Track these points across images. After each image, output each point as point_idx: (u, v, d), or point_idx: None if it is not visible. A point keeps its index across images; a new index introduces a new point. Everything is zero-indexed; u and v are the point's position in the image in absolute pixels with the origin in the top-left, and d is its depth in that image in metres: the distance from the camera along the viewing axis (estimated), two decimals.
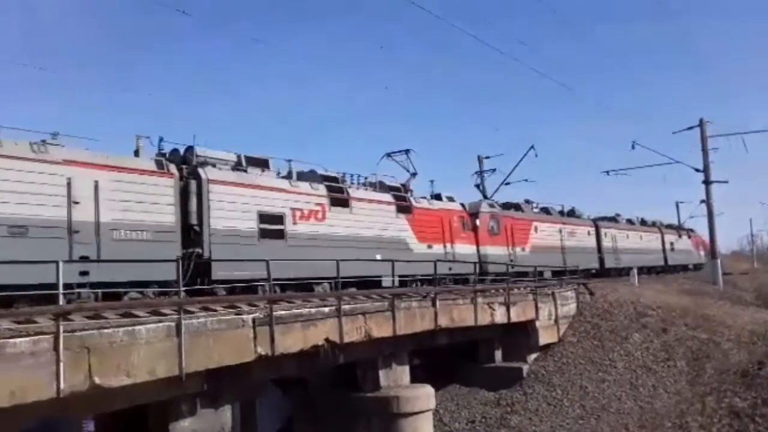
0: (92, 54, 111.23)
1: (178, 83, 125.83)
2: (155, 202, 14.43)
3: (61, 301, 9.18)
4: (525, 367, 21.04)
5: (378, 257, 19.28)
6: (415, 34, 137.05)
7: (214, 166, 16.46)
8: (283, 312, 12.37)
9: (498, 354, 21.82)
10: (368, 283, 17.99)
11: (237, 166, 17.34)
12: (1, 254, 11.11)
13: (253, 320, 11.51)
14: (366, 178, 22.25)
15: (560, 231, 32.88)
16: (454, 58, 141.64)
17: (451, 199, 25.93)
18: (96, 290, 12.48)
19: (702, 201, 40.53)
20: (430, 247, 22.90)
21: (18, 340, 8.16)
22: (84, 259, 12.71)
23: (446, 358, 20.77)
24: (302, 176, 19.29)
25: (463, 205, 26.56)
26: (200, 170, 15.81)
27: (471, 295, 18.59)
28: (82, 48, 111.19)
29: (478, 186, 33.01)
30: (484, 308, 18.88)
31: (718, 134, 36.45)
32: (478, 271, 24.05)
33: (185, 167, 15.90)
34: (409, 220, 22.20)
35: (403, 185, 23.53)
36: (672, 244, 47.38)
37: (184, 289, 13.44)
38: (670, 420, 18.17)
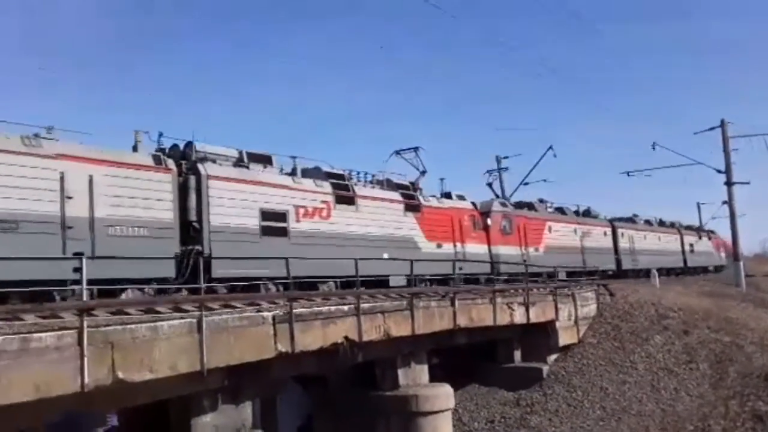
0: (92, 54, 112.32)
1: (178, 83, 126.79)
2: (152, 198, 14.12)
3: (85, 296, 9.32)
4: (545, 368, 20.94)
5: (385, 256, 19.06)
6: (415, 33, 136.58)
7: (214, 162, 16.21)
8: (302, 310, 12.42)
9: (517, 354, 21.73)
10: (375, 283, 17.66)
11: (238, 163, 17.06)
12: None
13: (273, 317, 11.57)
14: (373, 175, 22.01)
15: (575, 231, 32.46)
16: (457, 58, 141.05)
17: (461, 197, 25.55)
18: (91, 287, 12.01)
19: (724, 202, 40.03)
20: (439, 246, 22.61)
21: (43, 334, 8.26)
22: (77, 255, 12.25)
23: (465, 358, 20.73)
24: (307, 173, 19.02)
25: (474, 204, 26.15)
26: (199, 166, 15.54)
27: (490, 295, 18.52)
28: (82, 48, 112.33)
29: (489, 185, 32.62)
30: (503, 308, 18.81)
31: (739, 135, 36.05)
32: (489, 271, 23.99)
33: (184, 163, 15.64)
34: (417, 218, 21.91)
35: (412, 183, 23.16)
36: (692, 245, 46.79)
37: (182, 287, 13.60)
38: (692, 423, 18.00)
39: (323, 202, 18.45)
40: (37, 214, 12.07)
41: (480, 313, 17.83)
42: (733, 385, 19.19)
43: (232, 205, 15.82)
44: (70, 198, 12.65)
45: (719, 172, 36.36)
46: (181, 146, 16.33)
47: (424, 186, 24.18)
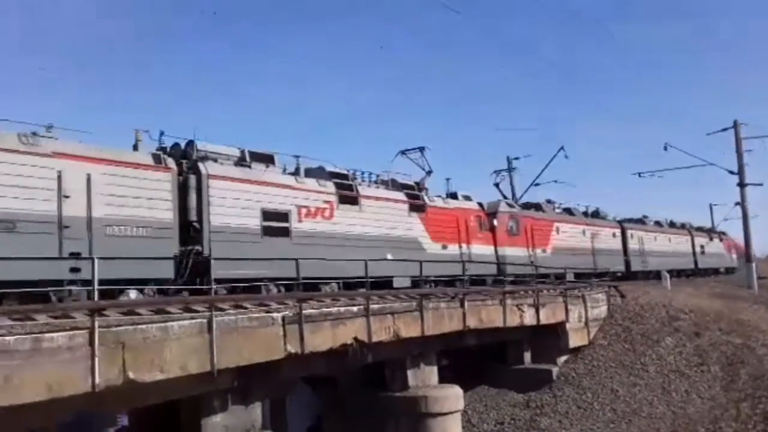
0: (92, 54, 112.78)
1: (179, 83, 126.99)
2: (151, 198, 13.91)
3: (96, 297, 9.38)
4: (555, 370, 20.87)
5: (389, 257, 18.83)
6: (416, 33, 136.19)
7: (215, 161, 16.00)
8: (312, 311, 12.43)
9: (527, 356, 21.68)
10: (379, 285, 17.36)
11: (240, 162, 16.83)
12: None
13: (283, 318, 11.60)
14: (378, 175, 21.81)
15: (583, 232, 32.23)
16: (457, 58, 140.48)
17: (467, 198, 25.33)
18: (88, 288, 11.88)
19: (737, 203, 39.79)
20: (444, 247, 22.38)
21: (55, 334, 8.32)
22: (74, 255, 12.26)
23: (475, 359, 20.70)
24: (310, 173, 18.80)
25: (480, 204, 25.96)
26: (200, 165, 15.32)
27: (500, 296, 18.48)
28: (82, 48, 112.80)
29: (497, 185, 32.36)
30: (513, 310, 18.76)
31: (752, 136, 35.87)
32: (496, 272, 23.83)
33: (185, 162, 15.42)
34: (422, 219, 21.69)
35: (417, 183, 22.92)
36: (702, 246, 46.50)
37: (179, 288, 13.49)
38: (703, 425, 17.90)
39: (326, 202, 18.26)
40: (33, 214, 11.93)
41: (489, 314, 17.79)
42: (744, 388, 19.06)
43: (233, 204, 15.63)
44: (67, 197, 12.47)
45: (732, 173, 36.18)
46: (183, 145, 16.16)
47: (432, 187, 24.11)
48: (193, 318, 10.24)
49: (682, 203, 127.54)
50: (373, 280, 16.70)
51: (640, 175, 41.90)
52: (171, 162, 14.70)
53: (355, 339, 13.15)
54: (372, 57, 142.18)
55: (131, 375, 8.95)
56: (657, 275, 36.35)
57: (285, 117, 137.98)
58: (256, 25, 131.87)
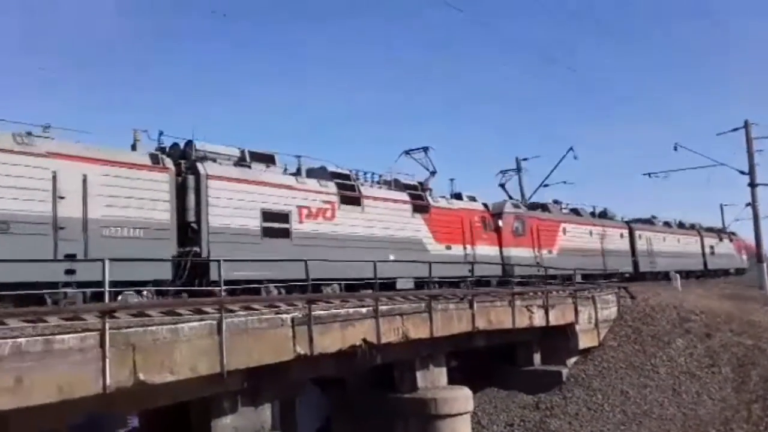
0: (92, 54, 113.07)
1: (178, 83, 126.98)
2: (149, 198, 13.80)
3: (107, 299, 9.41)
4: (564, 371, 20.79)
5: (391, 258, 18.64)
6: (416, 33, 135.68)
7: (214, 161, 15.87)
8: (321, 312, 12.43)
9: (537, 357, 21.60)
10: (381, 286, 17.08)
11: (240, 162, 16.70)
12: None
13: (292, 320, 11.59)
14: (381, 176, 21.69)
15: (590, 233, 32.06)
16: (459, 58, 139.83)
17: (472, 198, 25.21)
18: (85, 289, 11.93)
19: (748, 204, 39.60)
20: (448, 248, 22.22)
21: (66, 336, 8.35)
22: (70, 257, 12.18)
23: (484, 361, 20.63)
24: (311, 173, 18.71)
25: (485, 205, 25.82)
26: (199, 165, 15.18)
27: (509, 297, 18.43)
28: (82, 48, 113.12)
29: (502, 185, 32.12)
30: (522, 311, 18.70)
31: (763, 136, 35.74)
32: (501, 273, 23.69)
33: (184, 162, 15.29)
34: (426, 219, 21.55)
35: (421, 184, 22.81)
36: (712, 247, 46.23)
37: (177, 289, 13.44)
38: (714, 427, 17.82)
39: (327, 202, 18.12)
40: (28, 215, 11.81)
41: (498, 315, 17.75)
42: (755, 389, 18.94)
43: (232, 205, 15.49)
44: (62, 198, 12.37)
45: (742, 173, 36.06)
46: (182, 145, 16.05)
47: (436, 187, 23.98)
48: (202, 320, 10.25)
49: (693, 204, 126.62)
50: (375, 281, 16.85)
51: (650, 176, 41.85)
52: (169, 162, 14.60)
53: (364, 340, 13.14)
54: (372, 57, 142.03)
55: (141, 376, 8.97)
56: (666, 276, 36.19)
57: (285, 117, 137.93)
58: (256, 25, 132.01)
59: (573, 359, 21.38)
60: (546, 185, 35.38)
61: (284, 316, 11.58)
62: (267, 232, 16.23)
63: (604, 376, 20.47)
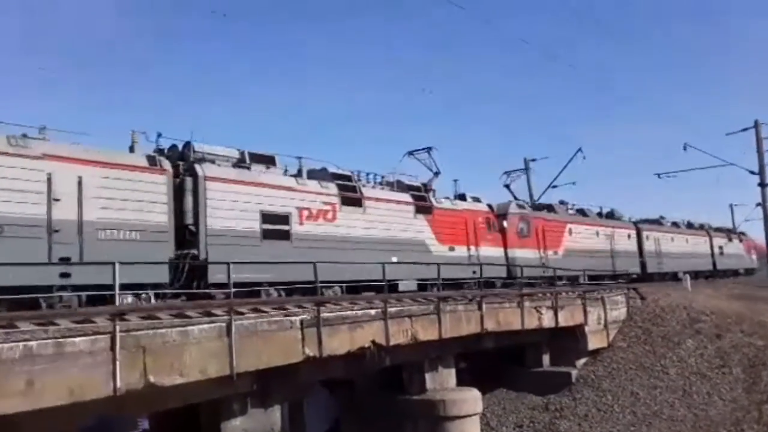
0: (92, 54, 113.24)
1: (178, 83, 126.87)
2: (146, 200, 13.56)
3: (117, 301, 9.45)
4: (574, 372, 20.73)
5: (394, 260, 18.37)
6: (415, 33, 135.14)
7: (213, 162, 15.67)
8: (330, 314, 12.45)
9: (546, 358, 21.55)
10: (382, 288, 17.00)
11: (239, 163, 16.46)
12: None
13: (301, 322, 11.62)
14: (383, 177, 21.49)
15: (597, 233, 31.78)
16: (460, 58, 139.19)
17: (476, 199, 24.96)
18: (80, 293, 11.79)
19: (758, 204, 39.39)
20: (452, 249, 22.00)
21: (77, 339, 8.40)
22: (64, 260, 11.97)
23: (493, 362, 20.59)
24: (312, 174, 18.45)
25: (490, 205, 25.58)
26: (197, 167, 14.94)
27: (517, 298, 18.41)
28: (82, 48, 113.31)
29: (507, 186, 31.62)
30: (531, 312, 18.67)
31: None
32: (505, 275, 23.50)
33: (182, 164, 15.07)
34: (428, 220, 21.31)
35: (424, 185, 22.57)
36: (721, 247, 45.90)
37: (174, 291, 13.28)
38: (725, 428, 17.76)
39: (328, 203, 17.90)
40: (22, 217, 11.63)
41: (507, 316, 17.72)
42: (766, 390, 18.85)
43: (231, 207, 15.29)
44: (57, 200, 12.17)
45: (752, 173, 35.93)
46: (180, 147, 15.86)
47: (441, 189, 23.76)
48: (212, 322, 10.28)
49: (702, 204, 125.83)
50: (376, 283, 16.50)
51: (659, 176, 41.74)
52: (166, 164, 14.40)
53: (373, 342, 13.15)
54: (372, 57, 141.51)
55: (152, 379, 9.01)
56: (674, 277, 35.99)
57: (285, 117, 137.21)
58: (256, 25, 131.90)
59: (582, 360, 21.32)
60: (555, 186, 35.25)
61: (293, 318, 11.61)
62: (267, 234, 16.02)
63: (613, 377, 20.41)
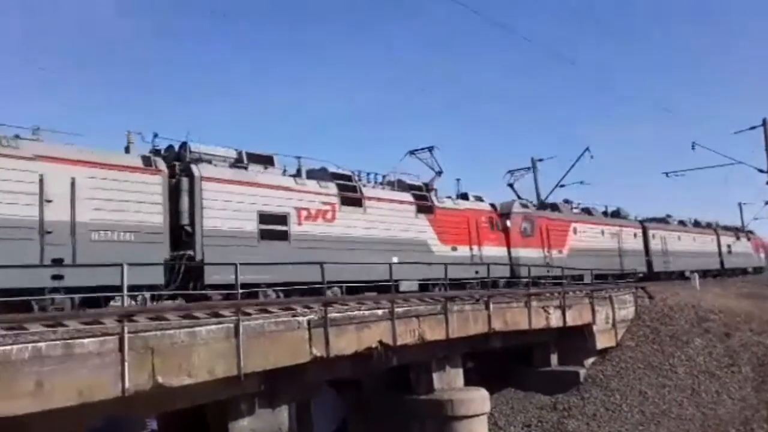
0: (92, 54, 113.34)
1: (178, 83, 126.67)
2: (141, 201, 13.38)
3: (125, 302, 9.49)
4: (582, 372, 20.69)
5: (395, 260, 17.94)
6: (415, 33, 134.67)
7: (209, 162, 15.50)
8: (337, 314, 12.46)
9: (554, 358, 21.51)
10: (384, 289, 16.81)
11: (237, 163, 16.30)
12: None
13: (308, 322, 11.64)
14: (384, 176, 21.28)
15: (602, 232, 31.52)
16: (460, 58, 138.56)
17: (479, 198, 24.71)
18: (73, 295, 11.70)
19: (767, 202, 39.24)
20: (454, 249, 21.76)
21: (86, 340, 8.43)
22: (57, 261, 11.80)
23: (500, 362, 20.57)
24: (312, 174, 18.24)
25: (493, 205, 25.33)
26: (193, 167, 14.77)
27: (525, 298, 18.37)
28: (82, 48, 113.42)
29: (511, 185, 31.18)
30: (538, 312, 18.64)
31: None
32: (509, 275, 23.32)
33: (178, 164, 14.94)
34: (430, 220, 21.09)
35: (426, 184, 22.31)
36: (729, 246, 45.66)
37: (170, 293, 13.16)
38: (734, 427, 17.68)
39: (328, 203, 17.68)
40: (13, 219, 11.46)
41: (515, 316, 17.70)
42: None
43: (228, 207, 15.09)
44: (49, 201, 12.01)
45: (761, 171, 35.73)
46: (177, 147, 15.68)
47: (444, 189, 23.60)
48: (220, 323, 10.31)
49: (711, 203, 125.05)
50: (376, 284, 16.57)
51: (667, 175, 41.65)
52: (161, 164, 14.25)
53: (380, 342, 13.16)
54: (372, 57, 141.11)
55: (160, 380, 9.05)
56: (681, 275, 35.83)
57: (285, 118, 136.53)
58: (256, 25, 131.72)
59: (590, 360, 21.28)
60: (562, 185, 35.11)
61: (300, 318, 11.63)
62: (264, 235, 15.81)
63: (622, 377, 20.35)
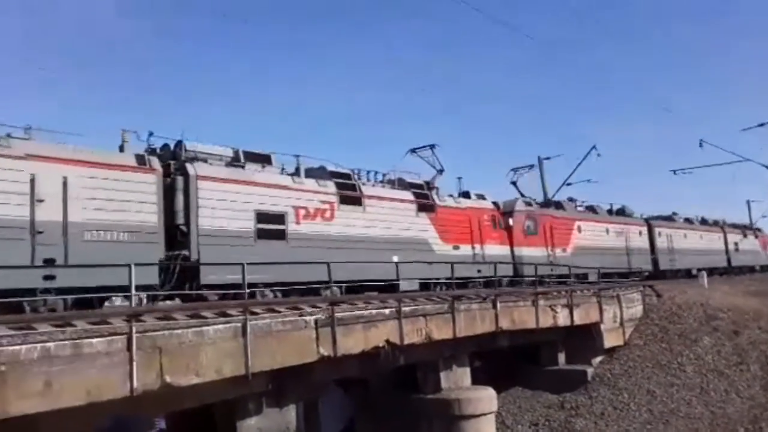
0: (92, 54, 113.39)
1: (178, 83, 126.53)
2: (135, 200, 13.24)
3: (133, 303, 9.51)
4: (589, 370, 20.64)
5: (395, 259, 17.91)
6: (415, 33, 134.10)
7: (205, 161, 15.36)
8: (344, 314, 12.46)
9: (561, 357, 21.46)
10: (385, 289, 16.93)
11: (234, 162, 16.17)
12: None
13: (316, 321, 11.64)
14: (384, 175, 21.17)
15: (607, 231, 31.38)
16: (460, 58, 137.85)
17: (481, 196, 24.54)
18: (66, 296, 11.59)
19: None
20: (456, 247, 21.62)
21: (94, 340, 8.46)
22: (48, 262, 11.66)
23: (508, 361, 20.54)
24: (310, 173, 18.11)
25: (495, 203, 25.19)
26: (188, 166, 14.62)
27: (532, 297, 18.33)
28: (82, 48, 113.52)
29: (514, 183, 30.97)
30: (545, 310, 18.60)
31: None
32: (512, 273, 23.18)
33: (173, 163, 14.77)
34: (431, 219, 20.96)
35: (427, 183, 22.16)
36: (736, 244, 45.41)
37: (167, 293, 13.11)
38: (743, 425, 17.61)
39: (326, 202, 17.55)
40: (3, 219, 11.34)
41: (522, 315, 17.66)
42: None
43: (224, 206, 14.95)
44: (41, 201, 11.88)
45: None
46: (173, 146, 15.57)
47: (446, 187, 23.48)
48: (227, 322, 10.31)
49: (718, 200, 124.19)
50: (376, 284, 16.52)
51: (675, 173, 41.52)
52: (156, 163, 14.10)
53: (387, 341, 13.15)
54: (372, 57, 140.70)
55: (168, 379, 9.07)
56: (687, 274, 35.64)
57: (285, 117, 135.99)
58: (255, 25, 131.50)
59: (598, 358, 21.22)
60: (569, 184, 34.97)
61: (307, 318, 11.63)
62: (261, 234, 15.66)
63: (630, 375, 20.29)
